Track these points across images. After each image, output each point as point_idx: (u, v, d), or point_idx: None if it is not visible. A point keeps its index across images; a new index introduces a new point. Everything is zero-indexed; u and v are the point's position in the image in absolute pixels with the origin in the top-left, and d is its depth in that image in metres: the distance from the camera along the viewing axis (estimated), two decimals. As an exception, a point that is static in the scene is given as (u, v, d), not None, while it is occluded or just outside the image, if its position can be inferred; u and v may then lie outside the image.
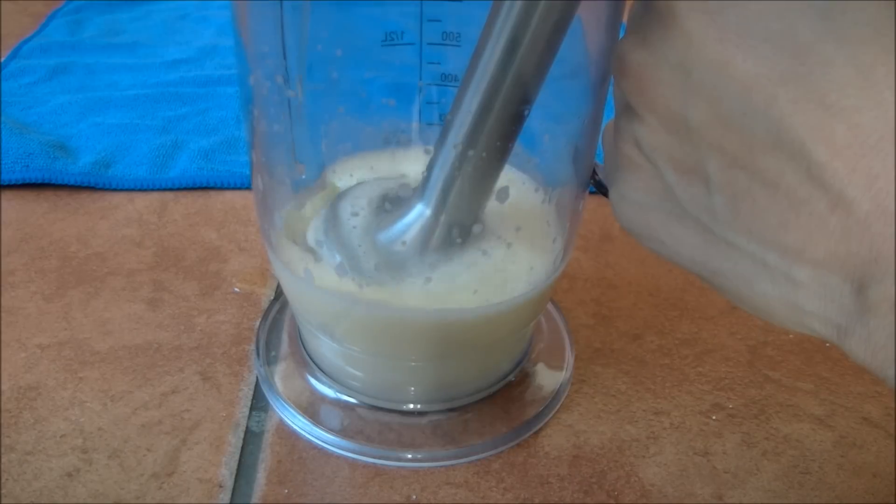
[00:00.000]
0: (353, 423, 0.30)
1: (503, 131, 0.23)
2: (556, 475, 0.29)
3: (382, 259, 0.26)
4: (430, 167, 0.25)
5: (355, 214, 0.27)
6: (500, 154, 0.24)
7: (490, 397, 0.32)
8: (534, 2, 0.20)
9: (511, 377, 0.33)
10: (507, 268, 0.27)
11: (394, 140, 0.29)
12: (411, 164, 0.28)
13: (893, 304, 0.16)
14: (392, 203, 0.27)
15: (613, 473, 0.29)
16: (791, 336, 0.36)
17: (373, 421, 0.31)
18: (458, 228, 0.26)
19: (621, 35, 0.21)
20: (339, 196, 0.28)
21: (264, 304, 0.37)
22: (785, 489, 0.29)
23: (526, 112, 0.23)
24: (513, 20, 0.21)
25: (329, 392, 0.32)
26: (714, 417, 0.32)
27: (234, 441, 0.30)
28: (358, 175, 0.30)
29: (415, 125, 0.28)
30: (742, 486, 0.29)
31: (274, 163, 0.28)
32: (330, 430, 0.30)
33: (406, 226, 0.26)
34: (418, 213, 0.25)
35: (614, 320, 0.37)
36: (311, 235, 0.28)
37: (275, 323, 0.36)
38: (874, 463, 0.30)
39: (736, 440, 0.31)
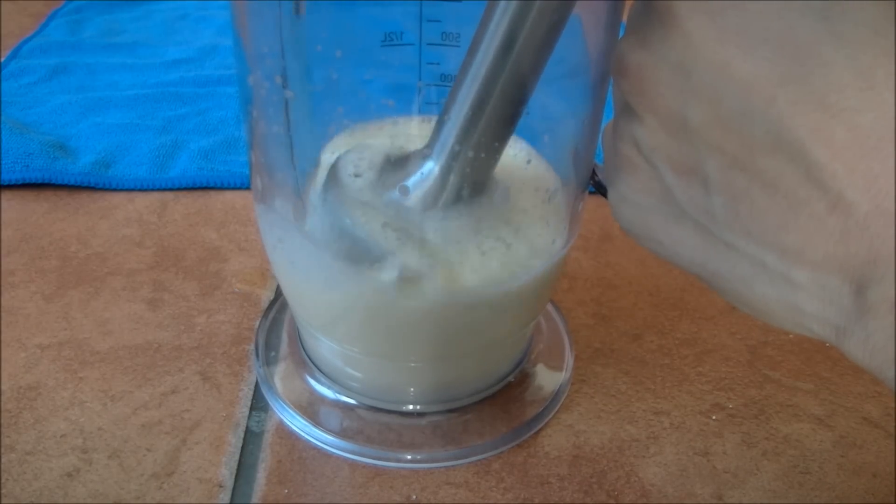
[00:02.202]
0: (352, 424, 0.30)
1: (498, 132, 0.23)
2: (556, 475, 0.29)
3: (388, 217, 0.26)
4: (431, 143, 0.24)
5: (357, 175, 0.27)
6: (494, 154, 0.24)
7: (490, 398, 0.32)
8: (529, 1, 0.20)
9: (511, 378, 0.33)
10: (506, 268, 0.27)
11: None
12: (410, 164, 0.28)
13: (892, 306, 0.16)
14: (396, 163, 0.26)
15: (613, 473, 0.29)
16: (791, 336, 0.36)
17: (372, 422, 0.31)
18: (468, 189, 0.25)
19: (621, 35, 0.21)
20: (339, 159, 0.28)
21: (264, 304, 0.37)
22: (785, 489, 0.29)
23: (521, 111, 0.23)
24: (508, 19, 0.21)
25: (328, 393, 0.32)
26: (714, 417, 0.32)
27: (234, 441, 0.30)
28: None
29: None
30: (742, 486, 0.29)
31: (273, 163, 0.28)
32: (329, 430, 0.30)
33: (414, 184, 0.25)
34: (427, 170, 0.25)
35: (614, 320, 0.37)
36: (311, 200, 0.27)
37: (274, 323, 0.36)
38: (874, 463, 0.30)
39: (736, 440, 0.31)
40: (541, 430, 0.31)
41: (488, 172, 0.25)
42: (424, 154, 0.25)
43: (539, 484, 0.29)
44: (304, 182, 0.28)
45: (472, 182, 0.25)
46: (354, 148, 0.28)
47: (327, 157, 0.28)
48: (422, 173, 0.25)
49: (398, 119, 0.29)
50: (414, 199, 0.25)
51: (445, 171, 0.24)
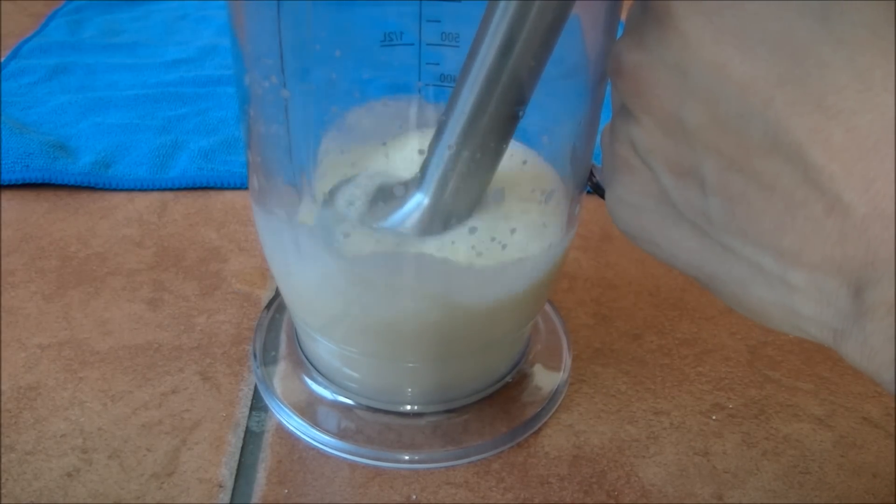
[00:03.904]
0: (351, 425, 0.30)
1: (497, 132, 0.23)
2: (556, 475, 0.29)
3: (382, 244, 0.26)
4: (424, 168, 0.25)
5: (351, 204, 0.27)
6: (494, 154, 0.24)
7: (488, 398, 0.32)
8: (529, 2, 0.20)
9: (509, 378, 0.33)
10: (502, 270, 0.27)
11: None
12: (406, 164, 0.28)
13: (891, 307, 0.16)
14: (387, 195, 0.27)
15: (613, 473, 0.29)
16: (791, 336, 0.36)
17: (371, 422, 0.31)
18: (456, 218, 0.26)
19: (619, 35, 0.21)
20: (334, 189, 0.28)
21: (264, 304, 0.37)
22: (785, 489, 0.29)
23: (520, 112, 0.23)
24: (508, 20, 0.21)
25: (326, 394, 0.32)
26: (714, 417, 0.32)
27: (234, 441, 0.30)
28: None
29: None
30: (742, 486, 0.29)
31: (270, 163, 0.28)
32: (327, 431, 0.30)
33: (404, 214, 0.26)
34: (416, 203, 0.25)
35: (614, 320, 0.37)
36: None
37: (273, 323, 0.36)
38: (874, 463, 0.30)
39: (736, 440, 0.31)
40: (541, 430, 0.31)
41: (486, 180, 0.25)
42: (416, 183, 0.25)
43: (539, 484, 0.29)
44: (302, 182, 0.28)
45: (458, 214, 0.25)
46: (348, 179, 0.28)
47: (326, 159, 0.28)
48: (413, 203, 0.25)
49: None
50: (405, 227, 0.25)
51: (437, 199, 0.25)
